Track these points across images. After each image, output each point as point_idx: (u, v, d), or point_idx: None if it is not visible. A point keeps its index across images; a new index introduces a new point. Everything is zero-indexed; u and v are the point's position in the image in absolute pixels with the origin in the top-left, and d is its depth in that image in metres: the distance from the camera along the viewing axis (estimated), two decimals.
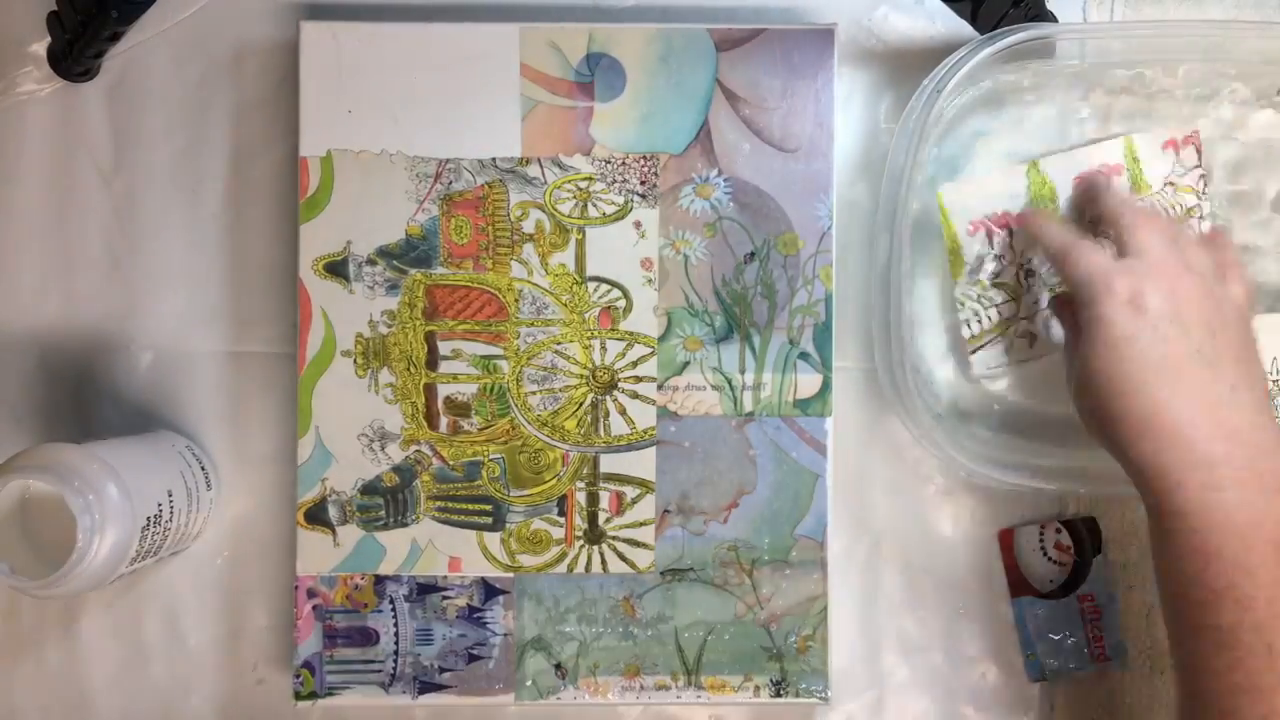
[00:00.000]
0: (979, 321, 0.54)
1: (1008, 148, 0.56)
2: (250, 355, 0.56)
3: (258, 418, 0.56)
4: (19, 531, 0.47)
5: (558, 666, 0.54)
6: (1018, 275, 0.54)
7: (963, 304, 0.54)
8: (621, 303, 0.54)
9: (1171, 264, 0.46)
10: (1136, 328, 0.45)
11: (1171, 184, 0.54)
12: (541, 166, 0.54)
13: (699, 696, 0.54)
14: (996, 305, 0.54)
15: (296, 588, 0.54)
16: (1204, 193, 0.55)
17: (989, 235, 0.54)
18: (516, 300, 0.54)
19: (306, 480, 0.54)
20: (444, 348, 0.54)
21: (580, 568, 0.54)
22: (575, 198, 0.54)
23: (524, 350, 0.54)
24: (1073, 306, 0.48)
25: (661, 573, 0.54)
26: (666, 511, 0.54)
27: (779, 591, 0.54)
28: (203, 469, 0.54)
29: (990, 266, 0.54)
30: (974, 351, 0.54)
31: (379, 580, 0.54)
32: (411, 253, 0.54)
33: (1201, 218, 0.55)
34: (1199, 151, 0.54)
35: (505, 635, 0.54)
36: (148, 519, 0.48)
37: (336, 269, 0.54)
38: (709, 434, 0.54)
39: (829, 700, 0.54)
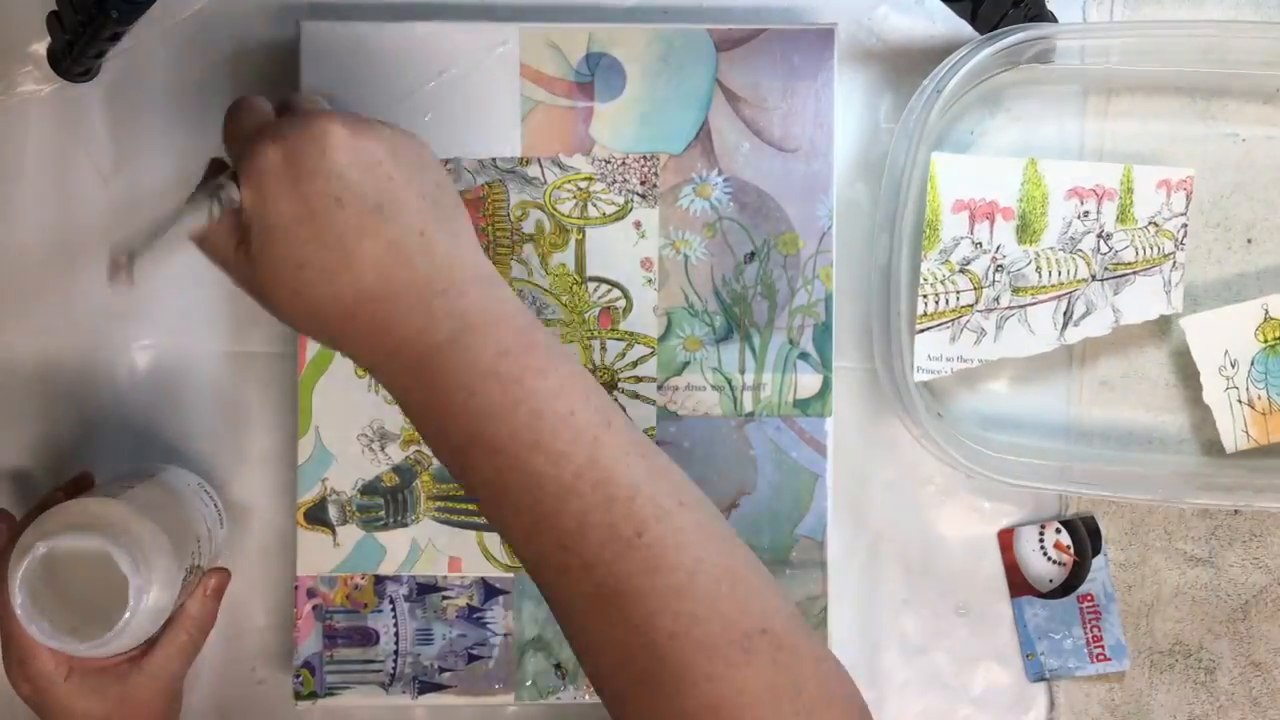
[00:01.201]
0: (935, 302, 0.53)
1: (1007, 148, 0.56)
2: (250, 355, 0.56)
3: (258, 418, 0.56)
4: (48, 587, 0.46)
5: (558, 666, 0.54)
6: (988, 269, 0.53)
7: (925, 280, 0.53)
8: (621, 303, 0.54)
9: (315, 113, 0.40)
10: (300, 204, 0.39)
11: (1155, 224, 0.54)
12: (541, 166, 0.54)
13: None
14: (957, 292, 0.53)
15: (296, 588, 0.54)
16: (1181, 243, 0.55)
17: (971, 219, 0.53)
18: None
19: (306, 480, 0.54)
20: None
21: None
22: (575, 198, 0.54)
23: None
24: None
25: None
26: None
27: None
28: (215, 506, 0.53)
29: (964, 251, 0.53)
30: (920, 331, 0.53)
31: (379, 580, 0.54)
32: None
33: (1175, 266, 0.55)
34: (1188, 198, 0.54)
35: (505, 635, 0.54)
36: (187, 569, 0.48)
37: None
38: (709, 434, 0.54)
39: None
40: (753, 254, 0.54)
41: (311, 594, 0.54)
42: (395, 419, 0.54)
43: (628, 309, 0.54)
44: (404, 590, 0.54)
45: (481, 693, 0.54)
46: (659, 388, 0.54)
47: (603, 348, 0.54)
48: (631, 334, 0.54)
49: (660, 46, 0.54)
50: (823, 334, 0.54)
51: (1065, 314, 0.54)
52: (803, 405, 0.54)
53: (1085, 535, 0.56)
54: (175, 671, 0.50)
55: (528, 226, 0.54)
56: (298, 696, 0.54)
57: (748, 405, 0.54)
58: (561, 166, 0.54)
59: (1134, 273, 0.54)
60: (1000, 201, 0.54)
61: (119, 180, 0.56)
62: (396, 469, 0.54)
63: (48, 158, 0.56)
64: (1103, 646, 0.56)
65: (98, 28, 0.52)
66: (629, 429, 0.39)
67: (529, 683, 0.54)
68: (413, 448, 0.54)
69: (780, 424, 0.54)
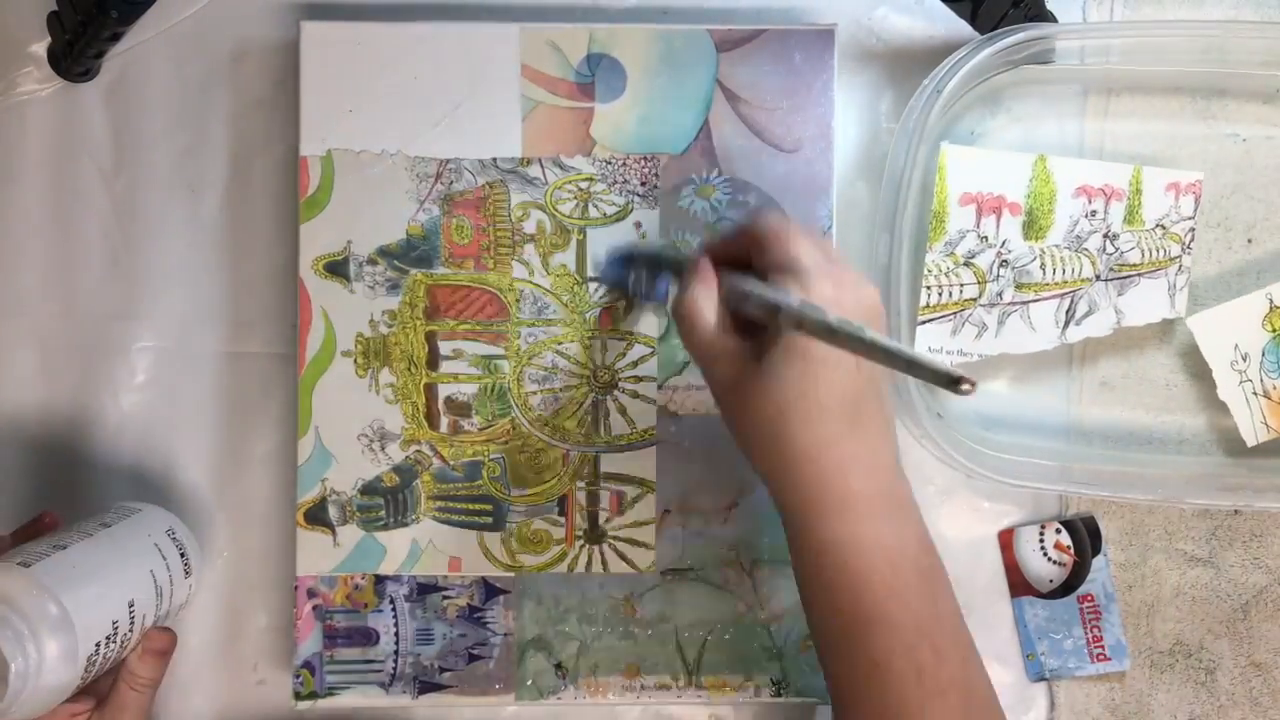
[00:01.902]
0: (938, 294, 0.53)
1: (1008, 148, 0.56)
2: (250, 355, 0.56)
3: (258, 418, 0.56)
4: None
5: (558, 666, 0.54)
6: (993, 263, 0.53)
7: (929, 271, 0.53)
8: (622, 302, 0.54)
9: (863, 281, 0.45)
10: (836, 354, 0.42)
11: (1163, 227, 0.54)
12: (542, 167, 0.54)
13: (699, 696, 0.54)
14: (961, 285, 0.53)
15: (296, 588, 0.54)
16: (1188, 247, 0.55)
17: (979, 212, 0.53)
18: (517, 300, 0.54)
19: (306, 480, 0.54)
20: (444, 348, 0.54)
21: (580, 568, 0.54)
22: (576, 198, 0.54)
23: (525, 350, 0.54)
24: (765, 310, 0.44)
25: (661, 573, 0.54)
26: (666, 511, 0.54)
27: (779, 591, 0.54)
28: (181, 556, 0.51)
29: (969, 244, 0.53)
30: (921, 323, 0.53)
31: (379, 580, 0.54)
32: (412, 253, 0.54)
33: (1180, 270, 0.55)
34: (1197, 202, 0.54)
35: (505, 635, 0.54)
36: (96, 644, 0.45)
37: (337, 269, 0.54)
38: (709, 434, 0.54)
39: (829, 700, 0.54)
40: None
41: (311, 594, 0.54)
42: (395, 419, 0.54)
43: (628, 309, 0.54)
44: (404, 590, 0.54)
45: (481, 693, 0.54)
46: (659, 388, 0.54)
47: (603, 347, 0.54)
48: (632, 334, 0.54)
49: (660, 47, 0.54)
50: None
51: (1068, 312, 0.54)
52: None
53: (1085, 535, 0.56)
54: None
55: (529, 227, 0.54)
56: (298, 696, 0.54)
57: None
58: (562, 167, 0.54)
59: (1139, 275, 0.54)
60: (1008, 196, 0.53)
61: (119, 180, 0.56)
62: (396, 469, 0.54)
63: (48, 158, 0.56)
64: (1103, 646, 0.56)
65: (98, 28, 0.52)
66: (977, 654, 0.45)
67: (529, 683, 0.54)
68: (413, 447, 0.54)
69: None
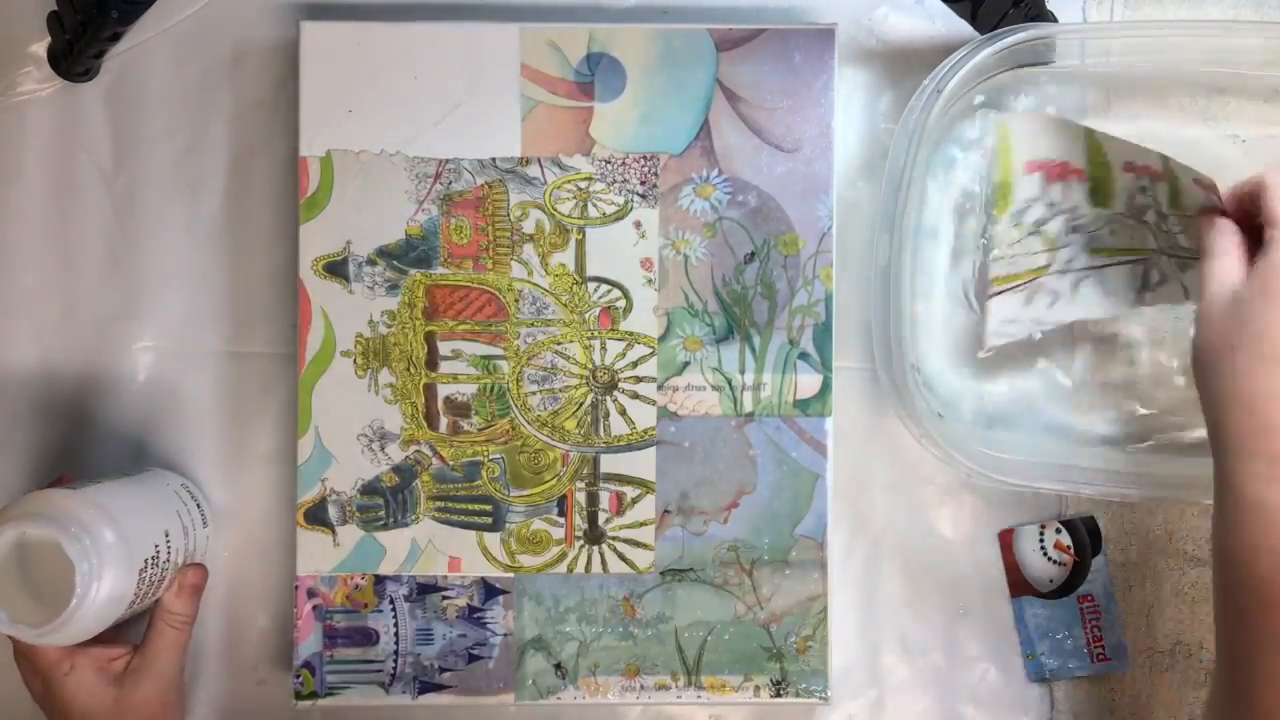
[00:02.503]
0: (1008, 264, 0.51)
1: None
2: (250, 355, 0.56)
3: (258, 418, 0.56)
4: (17, 579, 0.47)
5: (558, 666, 0.54)
6: (1062, 230, 0.51)
7: (997, 244, 0.51)
8: (621, 303, 0.54)
9: None
10: None
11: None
12: (541, 166, 0.54)
13: (699, 696, 0.54)
14: (1031, 254, 0.51)
15: (296, 588, 0.54)
16: None
17: (1046, 179, 0.50)
18: (516, 300, 0.54)
19: (306, 480, 0.54)
20: (444, 348, 0.54)
21: (580, 568, 0.54)
22: (575, 198, 0.54)
23: (524, 350, 0.54)
24: (1250, 236, 0.45)
25: (661, 573, 0.54)
26: (666, 511, 0.54)
27: (779, 591, 0.54)
28: (199, 506, 0.54)
29: (1037, 212, 0.51)
30: (994, 295, 0.51)
31: (379, 580, 0.54)
32: (411, 253, 0.54)
33: None
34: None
35: (505, 635, 0.54)
36: (145, 560, 0.48)
37: (336, 269, 0.54)
38: (709, 434, 0.54)
39: (829, 700, 0.54)
40: (753, 254, 0.54)
41: (311, 594, 0.54)
42: (395, 419, 0.54)
43: (628, 309, 0.54)
44: (404, 590, 0.54)
45: (481, 693, 0.54)
46: (659, 388, 0.54)
47: (603, 348, 0.54)
48: (632, 334, 0.54)
49: (660, 46, 0.54)
50: (823, 334, 0.54)
51: (1144, 277, 0.52)
52: (803, 405, 0.54)
53: (1085, 535, 0.56)
54: (166, 669, 0.50)
55: (528, 226, 0.54)
56: (298, 696, 0.54)
57: (748, 405, 0.54)
58: (561, 166, 0.54)
59: (1193, 258, 0.50)
60: (1073, 162, 0.51)
61: (119, 180, 0.56)
62: (396, 469, 0.54)
63: (48, 158, 0.56)
64: (1103, 646, 0.56)
65: (98, 28, 0.52)
66: None
67: (529, 683, 0.54)
68: (412, 448, 0.54)
69: (780, 424, 0.54)
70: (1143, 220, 0.51)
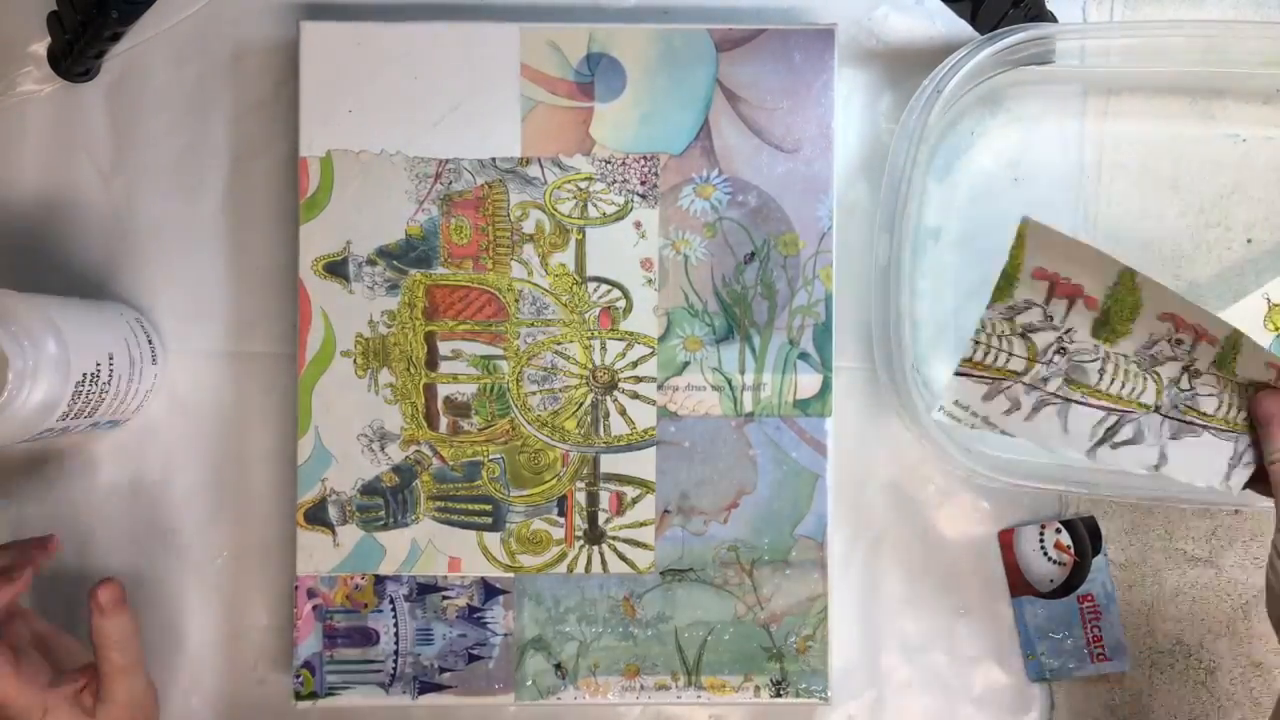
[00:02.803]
0: (984, 351, 0.48)
1: (1009, 148, 0.56)
2: (250, 355, 0.56)
3: (258, 418, 0.56)
4: None
5: (558, 666, 0.54)
6: (1050, 346, 0.47)
7: (983, 327, 0.48)
8: (621, 303, 0.54)
9: None
10: None
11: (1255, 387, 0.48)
12: (541, 166, 0.54)
13: (699, 696, 0.54)
14: (1010, 353, 0.48)
15: (296, 588, 0.54)
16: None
17: (1050, 291, 0.47)
18: (516, 300, 0.54)
19: (306, 480, 0.54)
20: (444, 348, 0.54)
21: (580, 568, 0.54)
22: (575, 198, 0.54)
23: (524, 350, 0.54)
24: None
25: (661, 573, 0.54)
26: (666, 511, 0.54)
27: (779, 591, 0.54)
28: (149, 342, 0.54)
29: (1032, 317, 0.47)
30: (959, 374, 0.48)
31: (379, 580, 0.54)
32: (411, 253, 0.54)
33: (1251, 445, 0.48)
34: None
35: (505, 635, 0.54)
36: (84, 375, 0.48)
37: (336, 269, 0.54)
38: (709, 434, 0.54)
39: (829, 700, 0.54)
40: (753, 254, 0.54)
41: (311, 594, 0.54)
42: (395, 419, 0.54)
43: (628, 309, 0.54)
44: (404, 590, 0.54)
45: (481, 693, 0.54)
46: (659, 388, 0.54)
47: (603, 348, 0.54)
48: (631, 334, 0.54)
49: (660, 46, 0.54)
50: (823, 334, 0.54)
51: (1108, 430, 0.48)
52: (803, 405, 0.54)
53: (1085, 535, 0.56)
54: (128, 693, 0.48)
55: (528, 226, 0.54)
56: (298, 696, 0.54)
57: (748, 405, 0.54)
58: (561, 166, 0.54)
59: (1205, 426, 0.48)
60: (1087, 289, 0.46)
61: (119, 180, 0.56)
62: (396, 469, 0.54)
63: (48, 158, 0.56)
64: (1103, 646, 0.56)
65: (98, 28, 0.52)
66: None
67: (529, 683, 0.54)
68: (412, 448, 0.54)
69: (780, 424, 0.54)
70: (1153, 370, 0.47)
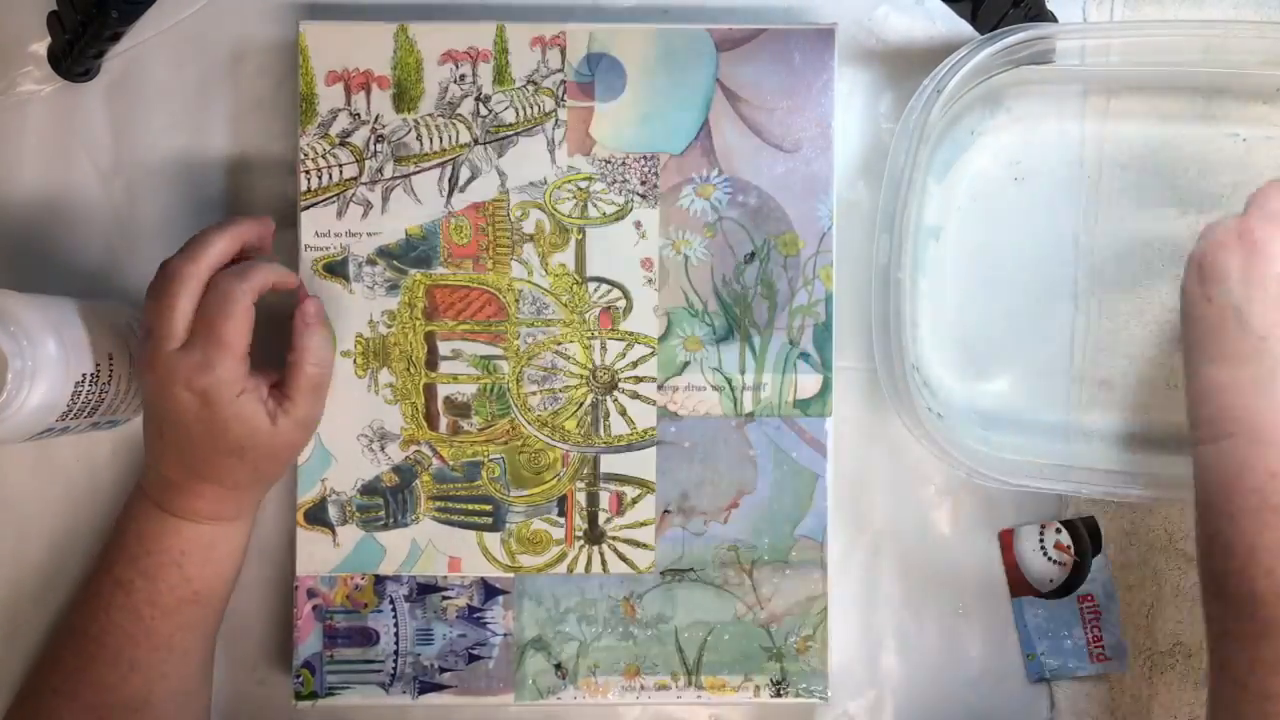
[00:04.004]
0: (318, 178, 0.53)
1: (1007, 148, 0.56)
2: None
3: None
4: None
5: (558, 666, 0.54)
6: (369, 140, 0.53)
7: (305, 156, 0.53)
8: (621, 303, 0.54)
9: None
10: None
11: (534, 83, 0.53)
12: None
13: (699, 696, 0.54)
14: (340, 165, 0.53)
15: (296, 588, 0.54)
16: (561, 100, 0.54)
17: (347, 90, 0.53)
18: (516, 300, 0.54)
19: (306, 480, 0.54)
20: (444, 348, 0.54)
21: (580, 568, 0.54)
22: (575, 198, 0.54)
23: (524, 350, 0.54)
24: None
25: (661, 573, 0.54)
26: (666, 511, 0.54)
27: (779, 591, 0.54)
28: None
29: (343, 124, 0.53)
30: (305, 208, 0.53)
31: (379, 580, 0.54)
32: (411, 253, 0.54)
33: (558, 124, 0.54)
34: (563, 53, 0.53)
35: (505, 635, 0.54)
36: (83, 375, 0.48)
37: (336, 269, 0.54)
38: (709, 434, 0.54)
39: (829, 700, 0.54)
40: (753, 254, 0.54)
41: (311, 594, 0.54)
42: (395, 419, 0.54)
43: (628, 309, 0.54)
44: (404, 590, 0.54)
45: (481, 693, 0.54)
46: (659, 388, 0.54)
47: (603, 348, 0.54)
48: (632, 334, 0.54)
49: (660, 46, 0.54)
50: (823, 334, 0.54)
51: (451, 180, 0.53)
52: (803, 405, 0.54)
53: (1085, 535, 0.56)
54: (306, 413, 0.50)
55: (528, 226, 0.54)
56: (298, 696, 0.54)
57: (748, 405, 0.54)
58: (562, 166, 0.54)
59: (516, 134, 0.54)
60: (375, 70, 0.53)
61: (119, 180, 0.56)
62: (396, 469, 0.54)
63: (48, 158, 0.56)
64: (1103, 646, 0.56)
65: (98, 28, 0.52)
66: None
67: (529, 683, 0.54)
68: (412, 448, 0.54)
69: (780, 424, 0.54)
70: (456, 115, 0.53)
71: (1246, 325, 0.44)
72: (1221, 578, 0.42)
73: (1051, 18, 0.54)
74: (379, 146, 0.53)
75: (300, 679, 0.54)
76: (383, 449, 0.54)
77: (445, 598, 0.54)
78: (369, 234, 0.53)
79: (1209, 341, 0.45)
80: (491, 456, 0.54)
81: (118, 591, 0.49)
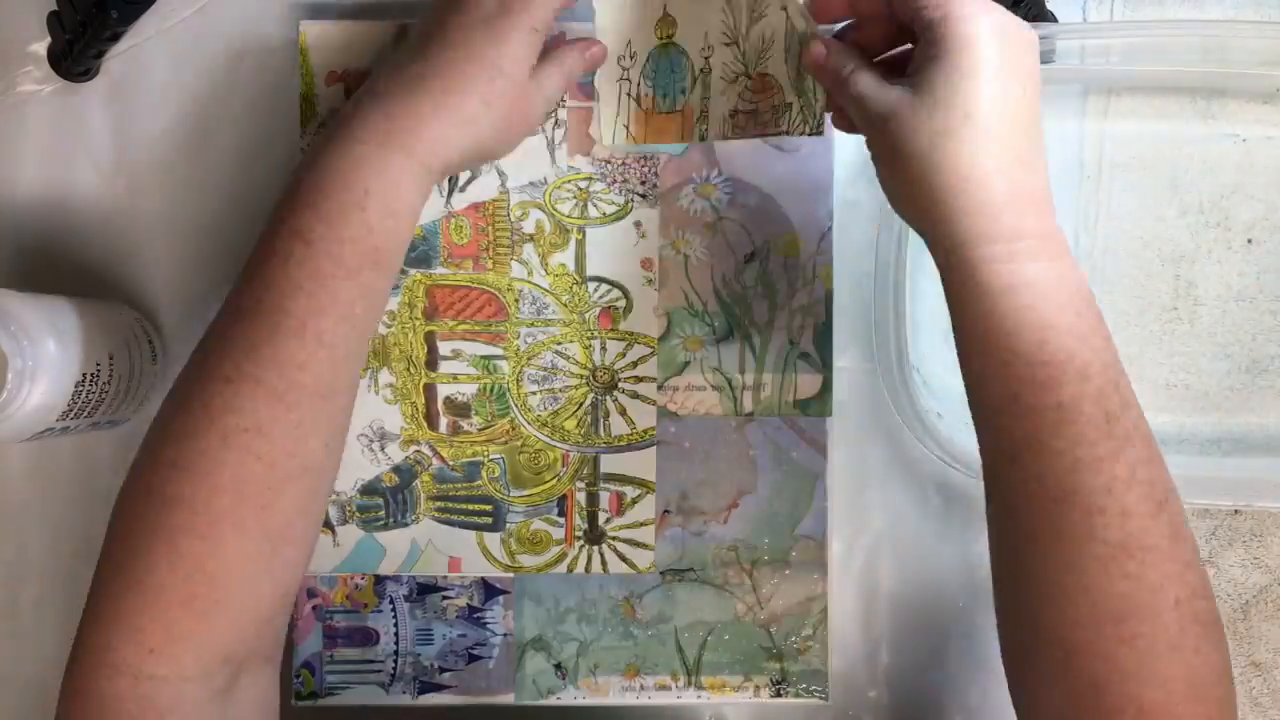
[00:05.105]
0: None
1: None
2: None
3: None
4: None
5: (558, 666, 0.54)
6: None
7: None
8: (621, 303, 0.54)
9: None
10: (1006, 68, 0.40)
11: None
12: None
13: (699, 697, 0.54)
14: None
15: None
16: (562, 100, 0.53)
17: (348, 90, 0.53)
18: (516, 300, 0.54)
19: None
20: (444, 348, 0.54)
21: (580, 568, 0.54)
22: (575, 198, 0.54)
23: (524, 350, 0.54)
24: (885, 38, 0.44)
25: (661, 573, 0.54)
26: (666, 511, 0.54)
27: (779, 591, 0.54)
28: (150, 341, 0.54)
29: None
30: None
31: (379, 580, 0.54)
32: (411, 253, 0.54)
33: (556, 124, 0.54)
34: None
35: (505, 635, 0.54)
36: (84, 375, 0.48)
37: None
38: (709, 434, 0.54)
39: (829, 700, 0.54)
40: (753, 254, 0.54)
41: (311, 594, 0.54)
42: (394, 419, 0.54)
43: (628, 309, 0.54)
44: (404, 590, 0.54)
45: (481, 693, 0.54)
46: (659, 388, 0.54)
47: (603, 348, 0.54)
48: (632, 334, 0.54)
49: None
50: (823, 334, 0.54)
51: (450, 180, 0.54)
52: (803, 405, 0.54)
53: None
54: (549, 97, 0.48)
55: (528, 226, 0.54)
56: (298, 696, 0.54)
57: (748, 405, 0.54)
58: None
59: None
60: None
61: (119, 180, 0.56)
62: (396, 469, 0.54)
63: (48, 158, 0.56)
64: None
65: (98, 28, 0.52)
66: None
67: (529, 683, 0.54)
68: (413, 448, 0.54)
69: (780, 424, 0.54)
70: None
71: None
72: (1075, 403, 0.39)
73: (1051, 18, 0.54)
74: None
75: (300, 679, 0.54)
76: (383, 449, 0.54)
77: (445, 598, 0.54)
78: None
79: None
80: (491, 456, 0.54)
81: (296, 242, 0.42)
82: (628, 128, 0.52)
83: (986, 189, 0.40)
